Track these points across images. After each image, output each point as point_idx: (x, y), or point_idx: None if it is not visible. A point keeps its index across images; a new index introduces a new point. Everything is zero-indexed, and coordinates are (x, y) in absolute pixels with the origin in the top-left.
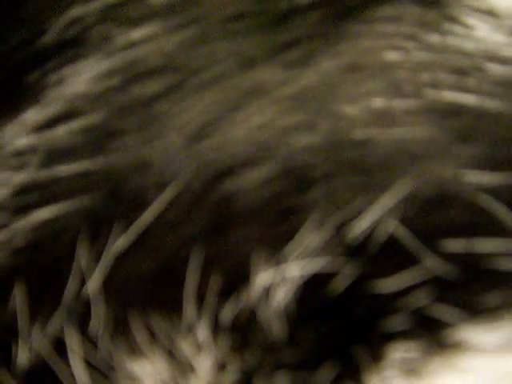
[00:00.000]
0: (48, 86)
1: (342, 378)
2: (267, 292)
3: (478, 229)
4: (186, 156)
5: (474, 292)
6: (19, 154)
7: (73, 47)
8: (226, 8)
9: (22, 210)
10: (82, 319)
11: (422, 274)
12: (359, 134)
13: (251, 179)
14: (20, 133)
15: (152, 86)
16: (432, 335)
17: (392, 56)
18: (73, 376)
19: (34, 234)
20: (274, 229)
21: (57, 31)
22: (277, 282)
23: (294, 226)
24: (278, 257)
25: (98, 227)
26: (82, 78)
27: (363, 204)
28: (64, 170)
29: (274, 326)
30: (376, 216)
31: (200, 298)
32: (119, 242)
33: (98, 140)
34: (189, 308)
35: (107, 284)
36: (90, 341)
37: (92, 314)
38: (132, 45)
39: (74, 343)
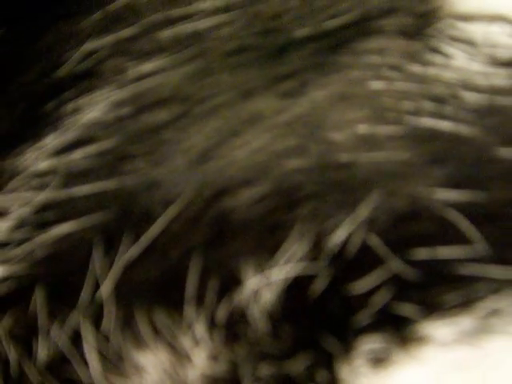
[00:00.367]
0: (65, 115)
1: (316, 367)
2: (256, 294)
3: (443, 239)
4: (189, 177)
5: (435, 293)
6: (40, 175)
7: (88, 78)
8: (227, 43)
9: (43, 225)
10: (96, 317)
11: (387, 276)
12: (344, 157)
13: (246, 198)
14: (41, 156)
15: (160, 115)
16: (396, 330)
17: (377, 85)
18: (86, 366)
19: (54, 247)
20: (264, 241)
21: (73, 64)
22: (264, 285)
23: (281, 238)
24: (265, 264)
25: (110, 240)
26: (96, 107)
27: (341, 218)
28: (80, 190)
29: (261, 322)
30: (350, 228)
31: (198, 300)
32: (129, 253)
33: (111, 163)
34: (189, 308)
35: (118, 288)
36: (102, 335)
37: (104, 313)
38: (142, 77)
39: (89, 337)
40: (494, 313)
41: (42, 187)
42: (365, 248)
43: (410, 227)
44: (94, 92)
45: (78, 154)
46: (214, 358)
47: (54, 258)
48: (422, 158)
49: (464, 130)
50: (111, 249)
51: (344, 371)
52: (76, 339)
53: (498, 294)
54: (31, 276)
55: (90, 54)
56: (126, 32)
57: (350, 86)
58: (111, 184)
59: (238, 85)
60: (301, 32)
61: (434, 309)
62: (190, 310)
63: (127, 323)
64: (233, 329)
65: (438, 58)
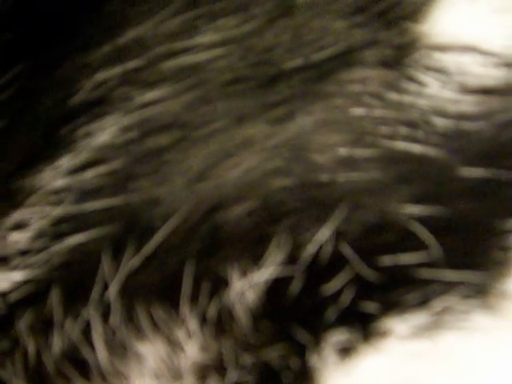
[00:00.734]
0: (78, 138)
1: (291, 356)
2: (241, 295)
3: (405, 247)
4: (186, 195)
5: (395, 293)
6: (56, 192)
7: (99, 106)
8: (223, 74)
9: (58, 236)
10: (104, 313)
11: (354, 279)
12: (324, 177)
13: (236, 213)
14: (56, 176)
15: (162, 139)
16: (361, 325)
17: (358, 112)
18: (95, 354)
19: (68, 255)
20: (249, 250)
21: (85, 92)
22: (247, 287)
23: (263, 248)
24: (249, 269)
25: (117, 249)
26: (106, 131)
27: (315, 231)
28: (91, 205)
29: (244, 319)
30: (322, 240)
31: (192, 299)
32: (133, 260)
33: (118, 182)
34: (183, 306)
35: (123, 289)
36: (109, 329)
37: (111, 310)
38: (147, 104)
39: (98, 330)
40: (446, 310)
41: (57, 203)
42: (336, 255)
43: (377, 237)
44: (104, 118)
45: (89, 174)
46: (204, 348)
47: (68, 264)
48: (392, 178)
49: (431, 152)
50: (117, 257)
51: (315, 360)
52: (86, 332)
53: (449, 294)
54: (48, 279)
55: (101, 83)
56: (133, 63)
57: (334, 113)
58: (118, 200)
59: (232, 112)
60: (290, 63)
61: (394, 307)
62: (184, 308)
63: (130, 318)
64: (221, 324)
65: (413, 86)
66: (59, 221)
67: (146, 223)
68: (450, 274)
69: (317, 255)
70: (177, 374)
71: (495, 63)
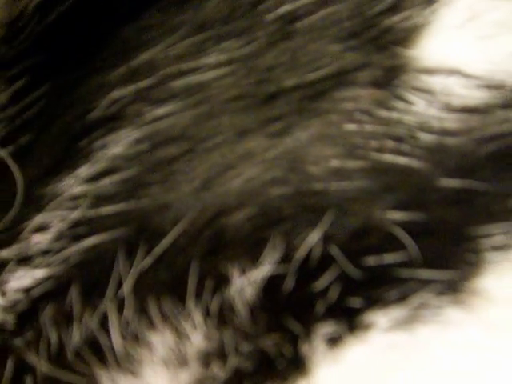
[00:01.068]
0: (95, 150)
1: (285, 345)
2: (240, 291)
3: (387, 249)
4: (193, 201)
5: (378, 290)
6: (74, 198)
7: (113, 121)
8: (227, 91)
9: (76, 238)
10: (119, 307)
11: (342, 277)
12: (318, 186)
13: (237, 218)
14: (75, 183)
15: (171, 150)
16: (347, 318)
17: (350, 127)
18: (111, 343)
19: (85, 255)
20: (248, 251)
21: (102, 109)
22: (246, 284)
23: (261, 249)
24: (248, 268)
25: (130, 250)
26: (120, 143)
27: (307, 235)
28: (106, 210)
29: (243, 312)
30: (312, 243)
31: (197, 295)
32: (145, 261)
33: (131, 189)
34: (189, 300)
35: (136, 286)
36: (124, 320)
37: (125, 304)
38: (157, 119)
39: (114, 322)
40: (422, 305)
41: (75, 207)
42: (325, 256)
43: (363, 240)
44: (118, 131)
45: (104, 182)
46: (207, 338)
47: (85, 263)
48: (378, 187)
49: (415, 163)
50: (131, 257)
51: (306, 349)
52: (103, 323)
53: (425, 291)
54: (68, 276)
55: (116, 101)
56: (145, 83)
57: (328, 128)
58: (131, 206)
59: (234, 126)
60: (288, 82)
61: (376, 302)
62: (190, 302)
63: (142, 311)
64: (222, 316)
65: (401, 104)
66: (77, 224)
67: (156, 227)
68: (425, 273)
69: (308, 256)
70: (183, 361)
71: (477, 85)
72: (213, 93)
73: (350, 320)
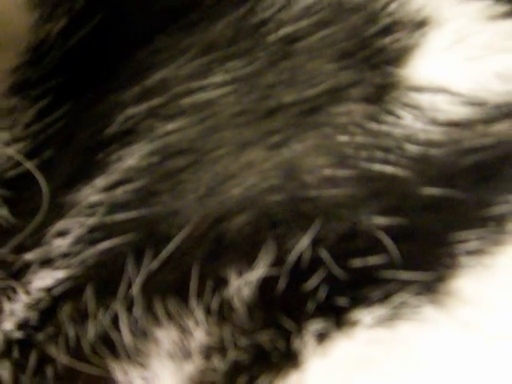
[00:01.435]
0: (111, 162)
1: (278, 339)
2: (238, 291)
3: (371, 252)
4: (197, 208)
5: (363, 290)
6: (91, 206)
7: (128, 135)
8: (231, 107)
9: (92, 242)
10: (129, 305)
11: (330, 278)
12: (311, 193)
13: (236, 223)
14: (92, 193)
15: (179, 162)
16: (335, 316)
17: (343, 139)
18: (121, 338)
19: (100, 258)
20: (245, 254)
21: (117, 125)
22: (243, 285)
23: (257, 253)
24: (245, 270)
25: (140, 252)
26: (133, 156)
27: (298, 239)
28: (120, 216)
29: (241, 310)
30: (304, 246)
31: (199, 294)
32: (153, 263)
33: (142, 198)
34: (192, 299)
35: (144, 286)
36: (133, 317)
37: (135, 303)
38: (167, 134)
39: (124, 319)
40: (402, 305)
41: (92, 214)
42: (315, 258)
43: (350, 244)
44: (132, 145)
45: (119, 191)
46: (208, 333)
47: (100, 265)
48: (365, 194)
49: (400, 172)
50: (140, 259)
51: (297, 343)
52: (115, 320)
53: (404, 291)
54: (84, 277)
55: (130, 117)
56: (157, 101)
57: (322, 140)
58: (142, 213)
59: (236, 139)
60: (287, 98)
61: (361, 301)
62: (193, 301)
63: (150, 309)
64: (222, 314)
65: (390, 119)
66: (93, 229)
67: (163, 232)
68: (405, 275)
69: (299, 259)
70: (187, 354)
71: (461, 102)
72: (218, 109)
73: (337, 317)
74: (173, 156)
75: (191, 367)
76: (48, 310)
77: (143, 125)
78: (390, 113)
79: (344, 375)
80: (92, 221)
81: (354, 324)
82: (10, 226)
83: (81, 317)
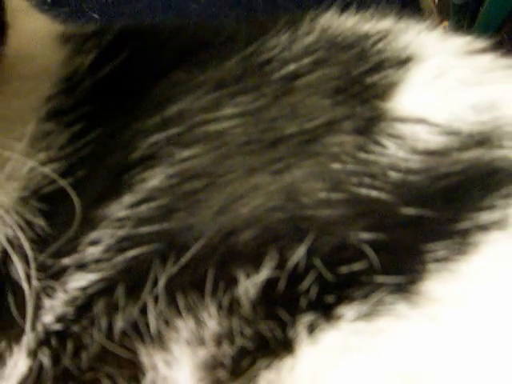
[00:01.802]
0: (136, 183)
1: (276, 329)
2: (245, 290)
3: (356, 260)
4: (211, 224)
5: (348, 290)
6: (119, 220)
7: (150, 160)
8: (240, 137)
9: (121, 250)
10: (155, 300)
11: (321, 281)
12: (308, 212)
13: (244, 236)
14: (120, 209)
15: (195, 184)
16: (324, 311)
17: (336, 166)
18: (148, 328)
19: (128, 263)
20: (252, 261)
21: (141, 150)
22: (250, 285)
23: (262, 260)
24: (252, 273)
25: (162, 260)
26: (155, 178)
27: (296, 249)
28: (144, 229)
29: (247, 305)
30: (300, 255)
31: (213, 293)
32: (174, 268)
33: (164, 214)
34: (207, 296)
35: (167, 285)
36: (158, 310)
37: (159, 298)
38: (184, 160)
39: (151, 311)
40: (379, 302)
41: (120, 227)
42: (309, 265)
43: (339, 254)
44: (154, 169)
45: (143, 208)
46: (220, 324)
47: (128, 269)
48: (354, 213)
49: (383, 196)
50: (163, 264)
51: (292, 333)
52: (142, 312)
53: (382, 291)
54: (115, 279)
55: (152, 144)
56: (175, 130)
57: (318, 167)
58: (164, 226)
59: (245, 166)
60: (288, 130)
61: (346, 299)
62: (208, 298)
63: (172, 303)
64: (231, 308)
65: (377, 148)
66: (122, 239)
67: (182, 242)
68: (382, 278)
69: (296, 265)
70: (201, 341)
71: (438, 131)
72: (228, 139)
73: (325, 312)
74: (190, 179)
75: (205, 352)
76: (83, 306)
77: (163, 151)
78: (377, 143)
79: (330, 359)
80: (120, 232)
81: (339, 318)
82: (46, 235)
83: (112, 310)
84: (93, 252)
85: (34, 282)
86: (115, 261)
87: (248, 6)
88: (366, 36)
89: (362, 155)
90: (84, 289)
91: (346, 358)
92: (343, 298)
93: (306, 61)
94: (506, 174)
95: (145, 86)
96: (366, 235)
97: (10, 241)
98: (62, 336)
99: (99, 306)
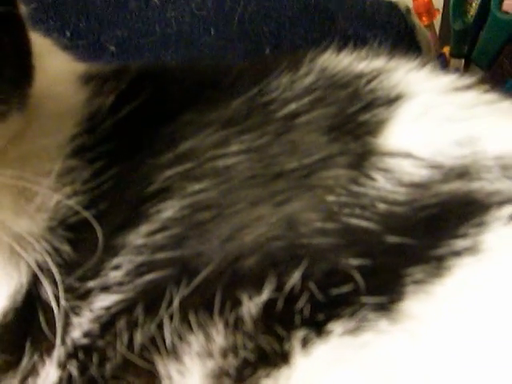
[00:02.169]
0: (152, 214)
1: (274, 342)
2: (248, 309)
3: (345, 282)
4: (218, 250)
5: (337, 309)
6: (137, 247)
7: (164, 193)
8: (245, 172)
9: (140, 274)
10: (170, 317)
11: (313, 300)
12: (305, 241)
13: (247, 263)
14: (138, 237)
15: (204, 215)
16: (316, 327)
17: (331, 198)
18: (164, 341)
19: (146, 286)
20: (254, 285)
21: (157, 184)
22: (252, 305)
23: (263, 284)
24: (254, 295)
25: (176, 283)
26: (169, 210)
27: (293, 274)
28: (159, 256)
29: (249, 322)
30: (295, 281)
31: (220, 312)
32: (186, 289)
33: (177, 242)
34: (215, 315)
35: (181, 304)
36: (172, 326)
37: (173, 316)
38: (195, 193)
39: (167, 327)
40: (364, 319)
41: (138, 254)
42: (304, 287)
43: (330, 278)
44: (168, 201)
45: (159, 236)
46: (225, 339)
47: (147, 291)
48: (345, 241)
49: (371, 226)
50: (177, 287)
51: (288, 346)
52: (159, 328)
53: (366, 310)
54: (134, 299)
55: (167, 178)
56: (187, 165)
57: (315, 199)
58: (177, 253)
59: (249, 198)
60: (289, 165)
61: (335, 317)
62: (216, 316)
63: (185, 321)
64: (236, 325)
65: (368, 181)
66: (140, 265)
67: (193, 267)
68: (367, 299)
69: (292, 287)
70: (210, 354)
71: (423, 165)
72: (234, 173)
73: (317, 328)
74: (200, 210)
75: (213, 363)
76: (107, 323)
77: (176, 185)
78: (368, 176)
79: (321, 369)
80: (139, 259)
81: (329, 333)
82: (72, 261)
83: (133, 326)
84: (115, 276)
85: (63, 303)
86: (135, 284)
87: (255, 39)
88: (360, 75)
89: (354, 188)
90: (107, 308)
91: (335, 368)
92: (332, 316)
93: (306, 100)
94: (480, 205)
95: (160, 126)
96: (354, 261)
97: (39, 265)
98: (88, 349)
99: (121, 323)
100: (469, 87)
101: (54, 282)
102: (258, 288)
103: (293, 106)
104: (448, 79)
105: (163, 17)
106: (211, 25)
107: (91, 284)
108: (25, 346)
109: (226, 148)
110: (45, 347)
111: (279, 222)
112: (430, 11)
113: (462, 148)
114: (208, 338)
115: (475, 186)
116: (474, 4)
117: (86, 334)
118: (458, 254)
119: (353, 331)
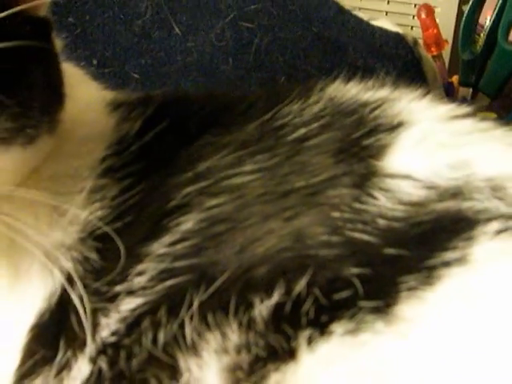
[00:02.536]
0: (173, 226)
1: (283, 341)
2: (259, 311)
3: (346, 288)
4: (233, 260)
5: (338, 312)
6: (160, 256)
7: (185, 207)
8: (257, 189)
9: (162, 280)
10: (191, 317)
11: (318, 304)
12: (312, 252)
13: (259, 271)
14: (161, 247)
15: (220, 228)
16: (320, 327)
17: (336, 215)
18: (185, 338)
19: (168, 290)
20: (265, 290)
21: (177, 200)
22: (263, 308)
23: (273, 289)
24: (265, 299)
25: (195, 288)
26: (188, 223)
27: (300, 280)
28: (179, 264)
29: (260, 323)
30: (303, 285)
31: (235, 313)
32: (204, 295)
33: (195, 251)
34: (230, 316)
35: (199, 308)
36: (193, 325)
37: (193, 316)
38: (212, 207)
39: (188, 326)
40: (361, 321)
41: (161, 262)
42: (309, 292)
43: (333, 285)
44: (187, 215)
45: (179, 246)
46: (239, 337)
47: (169, 295)
48: (347, 253)
49: (372, 239)
50: (196, 291)
51: (295, 344)
52: (180, 327)
53: (364, 313)
54: (158, 302)
55: (186, 195)
56: (205, 183)
57: (321, 215)
58: (195, 262)
59: (261, 213)
60: (298, 184)
61: (336, 318)
62: (231, 317)
63: (204, 321)
64: (249, 326)
65: (370, 200)
66: (162, 271)
67: (211, 275)
68: (365, 303)
69: (299, 293)
70: (226, 350)
71: (420, 186)
72: (247, 191)
73: (321, 329)
74: (216, 223)
75: (228, 358)
76: (132, 323)
77: (195, 200)
78: (370, 195)
79: (324, 365)
80: (161, 266)
81: (331, 333)
82: (100, 268)
83: (156, 326)
84: (139, 281)
85: (89, 305)
86: (158, 288)
87: (270, 68)
88: (366, 104)
89: (357, 205)
90: (133, 310)
91: (336, 364)
92: (335, 318)
93: (314, 125)
94: (469, 221)
95: (180, 148)
96: (355, 270)
97: (69, 273)
98: (116, 346)
99: (146, 323)
100: (466, 116)
101: (83, 287)
102: (268, 293)
103: (302, 131)
104: (447, 108)
105: (184, 47)
106: (229, 55)
107: (118, 288)
108: (59, 343)
109: (241, 167)
110: (77, 345)
111: (288, 235)
112: (438, 42)
113: (457, 171)
114: (224, 336)
115: (466, 204)
116: (482, 35)
117: (114, 333)
118: (448, 264)
119: (352, 332)
